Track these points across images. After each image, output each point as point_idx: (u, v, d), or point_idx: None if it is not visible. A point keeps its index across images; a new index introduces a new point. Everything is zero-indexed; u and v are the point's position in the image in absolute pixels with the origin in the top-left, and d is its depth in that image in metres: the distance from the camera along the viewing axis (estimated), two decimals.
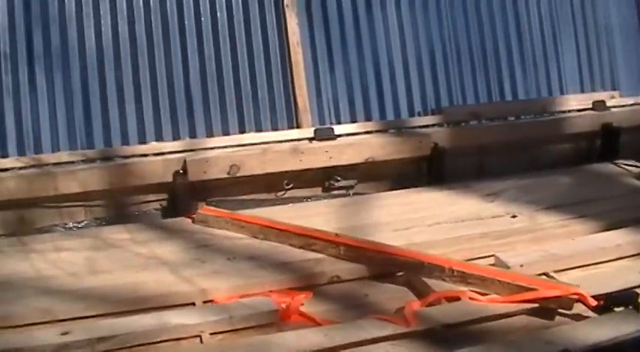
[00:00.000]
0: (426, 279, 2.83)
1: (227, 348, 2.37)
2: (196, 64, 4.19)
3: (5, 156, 3.89)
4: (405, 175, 4.28)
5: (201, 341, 2.42)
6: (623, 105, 4.75)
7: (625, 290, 2.58)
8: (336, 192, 4.20)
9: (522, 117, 4.62)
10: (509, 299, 2.60)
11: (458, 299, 2.65)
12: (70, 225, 3.84)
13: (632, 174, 4.14)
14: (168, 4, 4.15)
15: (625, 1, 5.03)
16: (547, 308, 2.57)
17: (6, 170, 3.77)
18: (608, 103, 4.71)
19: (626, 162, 4.30)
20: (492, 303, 2.61)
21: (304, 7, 4.37)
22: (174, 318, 2.50)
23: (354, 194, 4.20)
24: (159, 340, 2.41)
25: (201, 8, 4.20)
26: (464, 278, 2.75)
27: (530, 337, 2.37)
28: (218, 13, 4.22)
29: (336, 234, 3.13)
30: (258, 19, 4.28)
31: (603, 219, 3.40)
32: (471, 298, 2.65)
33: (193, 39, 4.18)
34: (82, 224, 3.87)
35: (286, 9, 4.30)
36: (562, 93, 4.82)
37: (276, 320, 2.57)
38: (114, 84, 4.07)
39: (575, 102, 4.72)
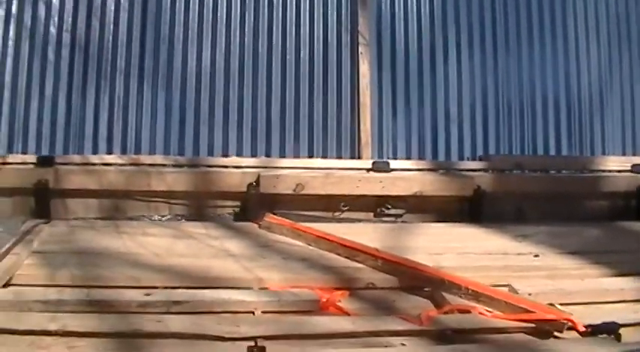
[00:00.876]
0: (445, 294, 3.27)
1: (273, 322, 2.88)
2: (278, 94, 4.84)
3: (110, 152, 4.61)
4: (448, 211, 4.67)
5: (253, 315, 2.96)
6: None
7: (611, 322, 3.00)
8: (385, 218, 4.63)
9: (563, 171, 4.97)
10: (510, 316, 3.00)
11: (468, 312, 3.07)
12: (155, 217, 4.46)
13: None
14: (260, 41, 4.84)
15: None
16: (543, 330, 2.97)
17: (109, 164, 4.47)
18: None
19: None
20: (496, 319, 3.03)
21: (376, 55, 4.96)
22: (235, 296, 3.05)
23: (401, 222, 4.62)
24: (221, 310, 2.95)
25: (287, 47, 4.86)
26: (476, 296, 3.18)
27: (520, 348, 2.84)
28: (301, 52, 4.88)
29: (377, 249, 3.60)
30: (335, 60, 4.91)
31: (617, 268, 3.67)
32: (479, 312, 3.07)
33: (278, 72, 4.85)
34: (165, 218, 4.47)
35: (360, 55, 4.89)
36: (603, 153, 5.16)
37: (316, 309, 3.06)
38: (207, 104, 4.78)
39: (614, 163, 5.03)
